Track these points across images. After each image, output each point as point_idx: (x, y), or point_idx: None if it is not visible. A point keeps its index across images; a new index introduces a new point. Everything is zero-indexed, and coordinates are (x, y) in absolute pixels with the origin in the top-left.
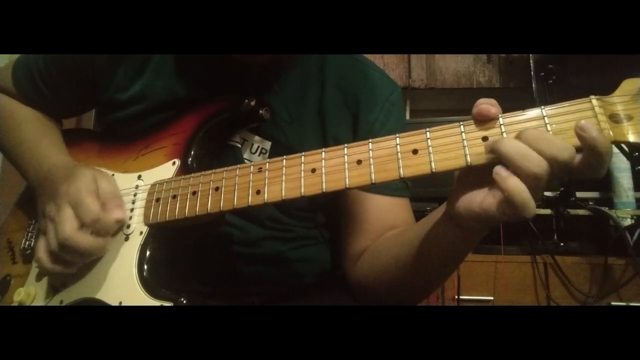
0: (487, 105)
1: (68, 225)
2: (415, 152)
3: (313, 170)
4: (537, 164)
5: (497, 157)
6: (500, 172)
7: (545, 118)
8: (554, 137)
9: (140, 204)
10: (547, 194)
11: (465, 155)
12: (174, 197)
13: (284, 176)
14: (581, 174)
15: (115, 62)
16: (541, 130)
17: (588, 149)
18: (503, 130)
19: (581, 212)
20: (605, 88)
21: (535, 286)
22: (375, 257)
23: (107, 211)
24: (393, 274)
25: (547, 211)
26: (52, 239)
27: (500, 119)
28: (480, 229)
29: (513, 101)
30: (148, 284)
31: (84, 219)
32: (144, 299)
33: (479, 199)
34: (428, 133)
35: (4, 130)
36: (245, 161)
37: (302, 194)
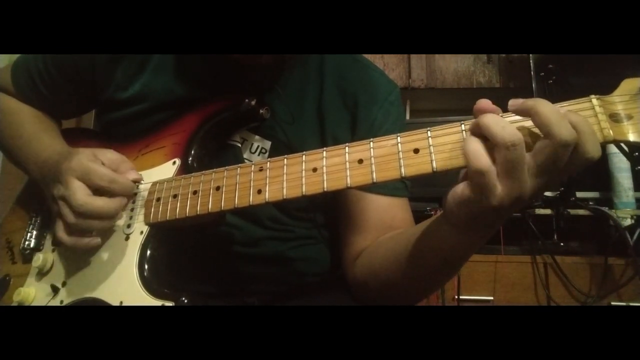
0: (486, 103)
1: (80, 193)
2: (416, 151)
3: (314, 170)
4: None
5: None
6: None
7: None
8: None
9: (140, 203)
10: (547, 194)
11: None
12: (175, 196)
13: (285, 175)
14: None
15: (114, 61)
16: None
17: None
18: None
19: (581, 212)
20: (605, 88)
21: (535, 286)
22: (373, 256)
23: (122, 173)
24: (390, 272)
25: (547, 211)
26: (67, 213)
27: None
28: (467, 222)
29: None
30: (149, 283)
31: (99, 183)
32: (145, 299)
33: (462, 185)
34: (429, 132)
35: (4, 127)
36: (245, 161)
37: (304, 193)
